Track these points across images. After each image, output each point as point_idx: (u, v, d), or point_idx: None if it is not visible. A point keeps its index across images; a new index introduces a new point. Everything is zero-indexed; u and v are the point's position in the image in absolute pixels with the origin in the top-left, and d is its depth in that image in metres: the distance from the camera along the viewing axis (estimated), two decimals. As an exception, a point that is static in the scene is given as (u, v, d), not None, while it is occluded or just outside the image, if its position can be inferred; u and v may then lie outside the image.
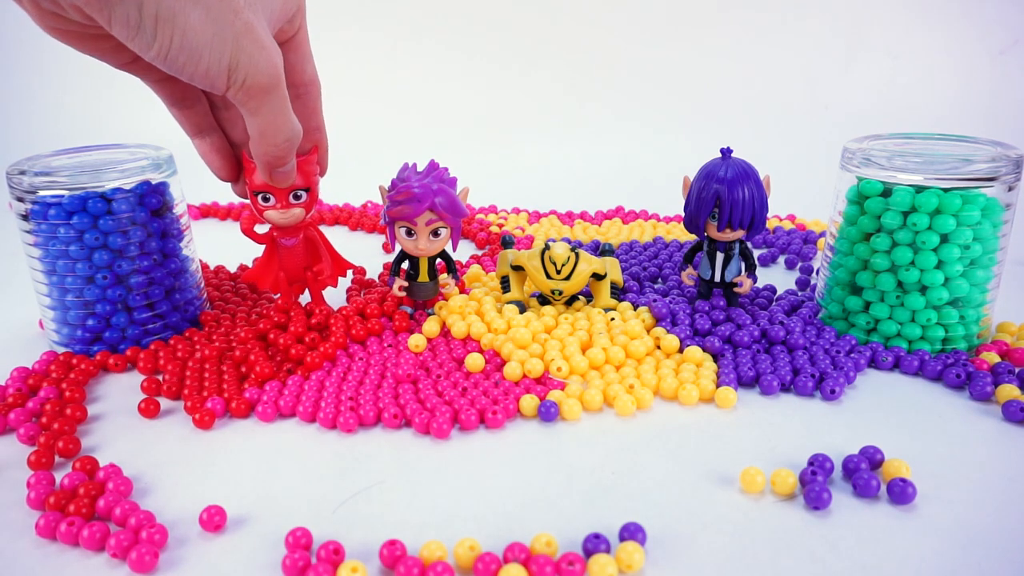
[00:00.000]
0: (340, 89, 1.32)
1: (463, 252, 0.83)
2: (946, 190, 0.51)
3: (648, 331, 0.58)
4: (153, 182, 0.56)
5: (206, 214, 1.00)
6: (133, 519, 0.37)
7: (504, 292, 0.63)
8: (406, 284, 0.61)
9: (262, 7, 0.40)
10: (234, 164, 0.55)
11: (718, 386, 0.51)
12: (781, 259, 0.80)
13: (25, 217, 0.54)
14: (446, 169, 0.57)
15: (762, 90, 1.23)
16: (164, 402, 0.51)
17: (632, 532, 0.36)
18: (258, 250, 0.75)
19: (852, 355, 0.54)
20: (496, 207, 0.99)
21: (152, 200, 0.56)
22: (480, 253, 0.82)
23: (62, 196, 0.53)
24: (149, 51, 0.38)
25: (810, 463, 0.42)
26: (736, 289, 0.59)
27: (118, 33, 0.37)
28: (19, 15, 0.47)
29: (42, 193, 0.53)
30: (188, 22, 0.36)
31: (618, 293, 0.65)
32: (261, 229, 0.60)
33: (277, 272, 0.60)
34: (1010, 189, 0.52)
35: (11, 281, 0.74)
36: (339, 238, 0.90)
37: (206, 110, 0.52)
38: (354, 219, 0.95)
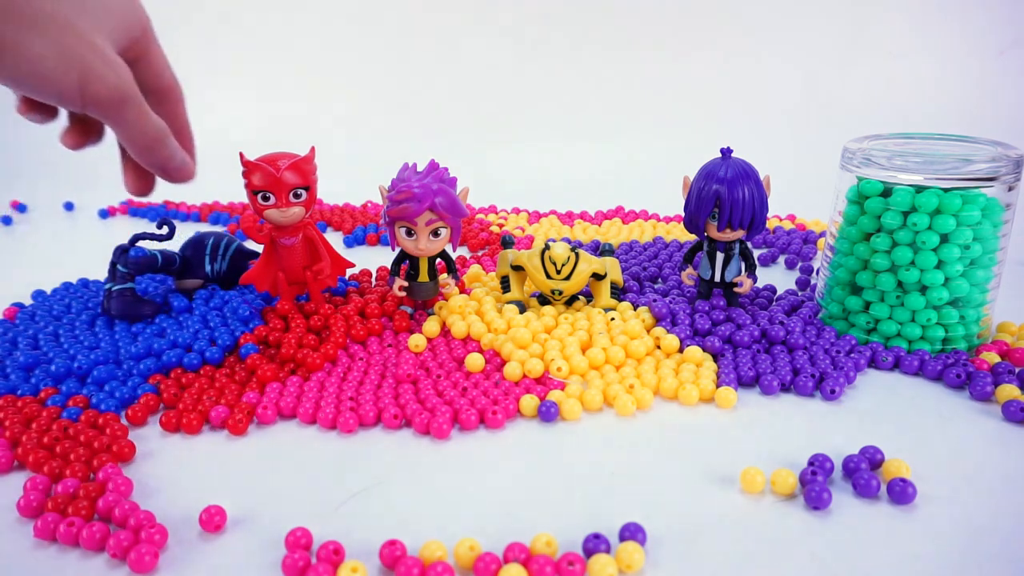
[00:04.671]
0: (340, 89, 1.32)
1: (463, 252, 0.83)
2: (946, 190, 0.51)
3: (648, 331, 0.58)
4: None
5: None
6: (133, 519, 0.37)
7: (504, 292, 0.63)
8: (406, 284, 0.61)
9: (106, 32, 0.43)
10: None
11: (718, 386, 0.51)
12: (781, 259, 0.80)
13: None
14: (446, 169, 0.57)
15: (762, 90, 1.23)
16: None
17: (632, 532, 0.36)
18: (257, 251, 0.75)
19: (852, 355, 0.54)
20: (496, 207, 0.99)
21: None
22: (480, 253, 0.82)
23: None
24: None
25: (810, 463, 0.42)
26: (736, 289, 0.59)
27: None
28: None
29: None
30: (32, 50, 0.39)
31: (618, 293, 0.65)
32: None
33: (276, 273, 0.60)
34: (1010, 189, 0.52)
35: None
36: (338, 238, 0.90)
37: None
38: (354, 219, 0.94)
